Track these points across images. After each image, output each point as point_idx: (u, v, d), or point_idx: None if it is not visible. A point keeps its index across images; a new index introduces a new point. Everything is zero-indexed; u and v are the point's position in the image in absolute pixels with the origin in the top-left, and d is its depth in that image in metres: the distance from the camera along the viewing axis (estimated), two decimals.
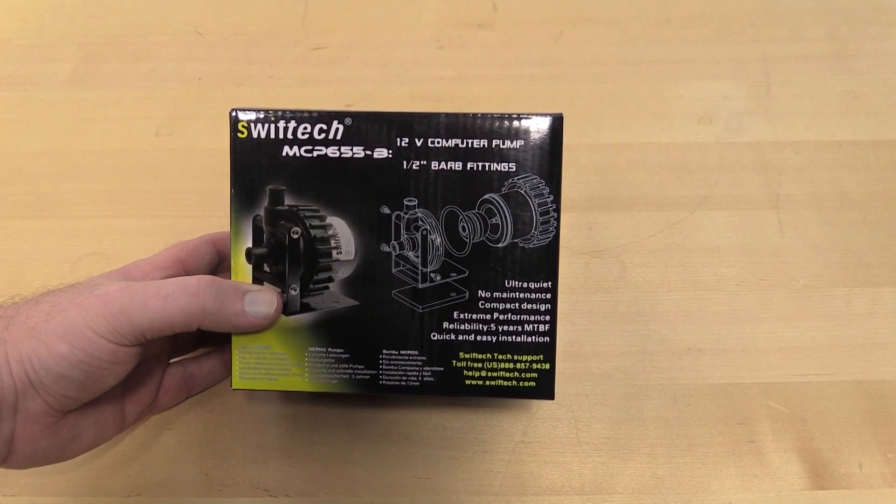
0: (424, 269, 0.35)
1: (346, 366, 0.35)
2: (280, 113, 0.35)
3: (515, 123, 0.34)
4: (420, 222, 0.35)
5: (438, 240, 0.35)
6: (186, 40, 0.54)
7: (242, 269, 0.35)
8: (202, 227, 0.40)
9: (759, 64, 0.53)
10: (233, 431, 0.42)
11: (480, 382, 0.35)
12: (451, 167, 0.34)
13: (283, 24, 0.55)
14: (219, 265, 0.38)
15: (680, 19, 0.55)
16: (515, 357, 0.35)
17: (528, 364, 0.35)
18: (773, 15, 0.55)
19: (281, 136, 0.35)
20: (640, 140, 0.50)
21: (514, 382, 0.35)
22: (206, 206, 0.48)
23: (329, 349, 0.35)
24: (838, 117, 0.51)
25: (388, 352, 0.35)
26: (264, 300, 0.34)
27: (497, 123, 0.34)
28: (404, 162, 0.34)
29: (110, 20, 0.56)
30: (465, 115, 0.34)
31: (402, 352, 0.35)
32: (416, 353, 0.35)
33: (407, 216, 0.35)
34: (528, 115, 0.34)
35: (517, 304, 0.35)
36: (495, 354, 0.35)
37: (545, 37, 0.54)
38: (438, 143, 0.34)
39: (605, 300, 0.45)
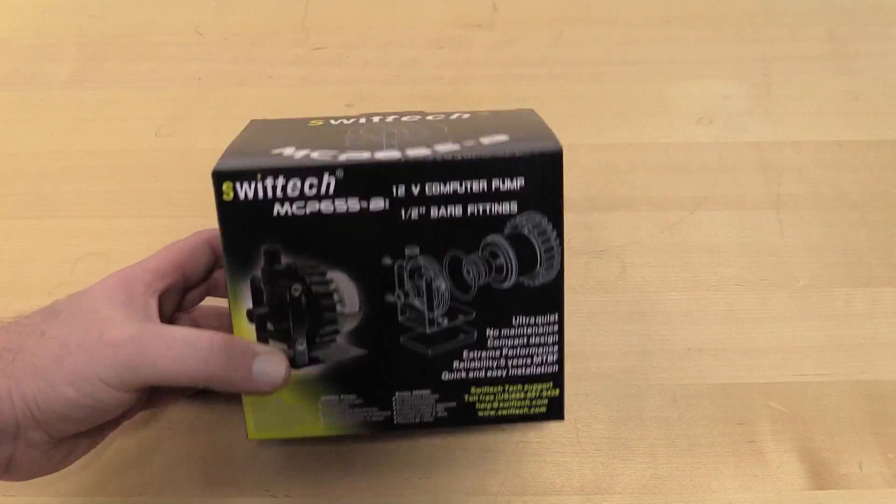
0: (431, 315, 0.35)
1: (360, 409, 0.36)
2: (266, 170, 0.32)
3: (513, 162, 0.32)
4: (423, 270, 0.34)
5: (443, 285, 0.34)
6: (186, 40, 0.54)
7: (245, 330, 0.34)
8: (202, 228, 0.40)
9: (759, 64, 0.53)
10: (233, 431, 0.42)
11: (493, 413, 0.36)
12: (450, 212, 0.33)
13: (283, 24, 0.55)
14: (215, 264, 0.38)
15: (680, 19, 0.55)
16: (526, 387, 0.36)
17: (538, 392, 0.36)
18: (773, 15, 0.55)
19: (269, 195, 0.32)
20: (640, 140, 0.50)
21: (526, 409, 0.36)
22: (207, 206, 0.47)
23: (342, 396, 0.35)
24: (838, 117, 0.51)
25: (400, 393, 0.35)
26: (274, 368, 0.33)
27: (495, 163, 0.32)
28: (402, 211, 0.33)
29: (110, 20, 0.56)
30: (461, 158, 0.32)
31: (414, 392, 0.35)
32: (428, 391, 0.35)
33: (409, 265, 0.34)
34: (526, 152, 0.32)
35: (525, 339, 0.35)
36: (506, 387, 0.36)
37: (545, 37, 0.54)
38: (436, 188, 0.33)
39: (605, 300, 0.45)
